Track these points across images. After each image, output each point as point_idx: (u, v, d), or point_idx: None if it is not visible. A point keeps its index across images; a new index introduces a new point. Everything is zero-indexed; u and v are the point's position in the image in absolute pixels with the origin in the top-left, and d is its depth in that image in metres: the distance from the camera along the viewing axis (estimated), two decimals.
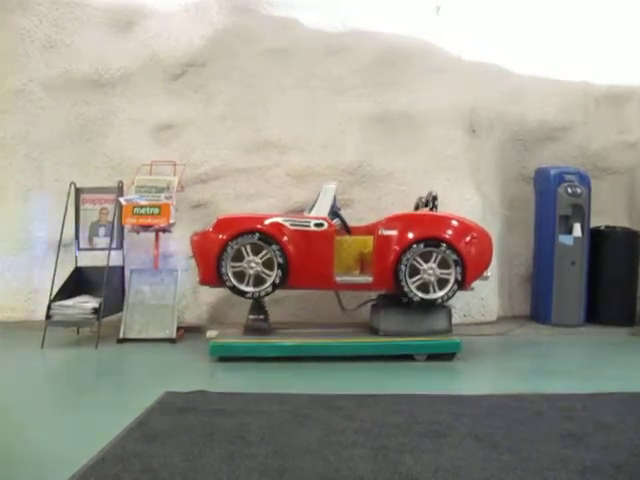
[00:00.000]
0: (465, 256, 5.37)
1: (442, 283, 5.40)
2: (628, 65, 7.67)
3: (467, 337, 6.01)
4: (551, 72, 7.55)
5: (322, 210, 5.61)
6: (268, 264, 5.36)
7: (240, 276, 5.38)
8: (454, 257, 5.35)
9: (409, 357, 5.40)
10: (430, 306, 5.48)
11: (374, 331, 5.69)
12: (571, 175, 7.03)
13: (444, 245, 5.35)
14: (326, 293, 6.60)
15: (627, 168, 7.69)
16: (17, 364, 5.42)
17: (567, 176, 7.02)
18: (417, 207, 6.20)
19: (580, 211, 6.96)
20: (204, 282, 5.60)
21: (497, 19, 7.45)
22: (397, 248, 5.36)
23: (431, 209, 5.74)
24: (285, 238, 5.37)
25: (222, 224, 5.48)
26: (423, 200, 6.06)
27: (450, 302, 5.69)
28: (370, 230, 5.72)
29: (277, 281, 5.36)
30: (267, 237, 5.33)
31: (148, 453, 3.08)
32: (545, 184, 7.12)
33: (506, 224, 7.50)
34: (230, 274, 5.35)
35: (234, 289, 5.39)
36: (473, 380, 5.09)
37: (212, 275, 5.40)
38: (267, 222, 5.43)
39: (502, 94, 7.44)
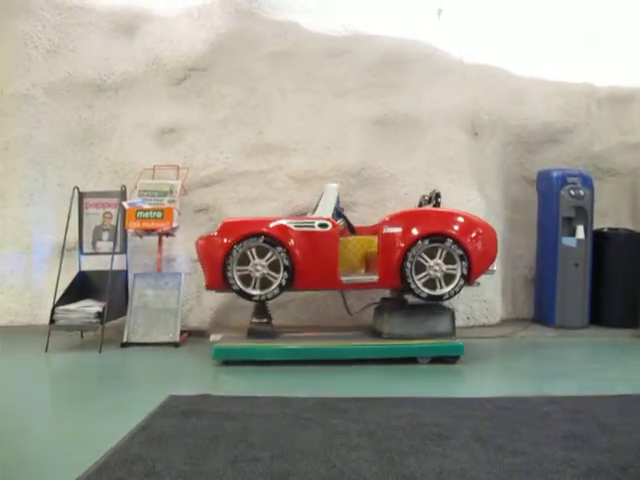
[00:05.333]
0: (471, 250, 5.37)
1: (448, 279, 5.40)
2: (630, 67, 7.65)
3: (470, 340, 6.02)
4: (553, 74, 7.54)
5: (325, 210, 5.62)
6: (274, 266, 5.37)
7: (246, 279, 5.38)
8: (459, 252, 5.34)
9: (412, 360, 5.40)
10: (434, 303, 5.48)
11: (377, 334, 5.69)
12: (574, 177, 7.01)
13: (449, 240, 5.34)
14: (329, 296, 6.61)
15: (630, 169, 7.67)
16: (21, 368, 5.43)
17: (570, 178, 6.99)
18: (420, 205, 6.21)
19: (583, 213, 6.95)
20: (210, 286, 5.60)
21: (499, 21, 7.45)
22: (402, 245, 5.37)
23: (434, 206, 5.74)
24: (290, 240, 5.37)
25: (227, 228, 5.49)
26: (426, 198, 6.06)
27: (453, 305, 5.67)
28: (375, 230, 5.73)
29: (283, 283, 5.36)
30: (272, 239, 5.34)
31: (152, 456, 3.08)
32: (548, 186, 7.11)
33: (509, 226, 7.49)
34: (236, 278, 5.35)
35: (241, 292, 5.40)
36: (476, 382, 5.08)
37: (218, 279, 5.40)
38: (272, 225, 5.44)
39: (504, 96, 7.44)
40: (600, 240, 7.08)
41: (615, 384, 4.72)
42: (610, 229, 7.22)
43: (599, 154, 7.61)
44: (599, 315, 7.03)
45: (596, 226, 7.10)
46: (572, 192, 6.93)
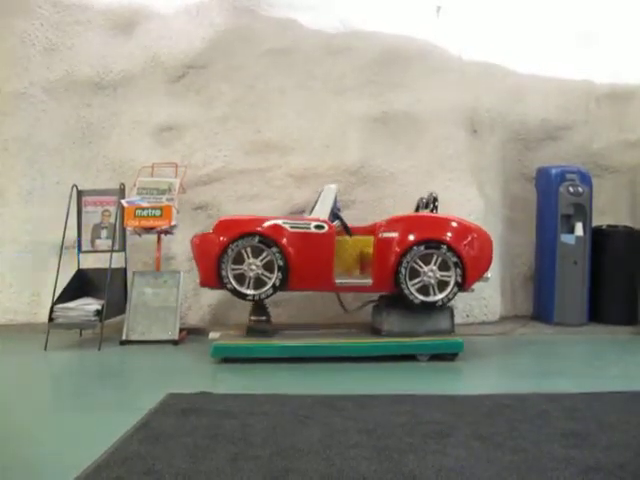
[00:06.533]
0: (465, 258, 5.36)
1: (442, 285, 5.39)
2: (629, 64, 7.65)
3: (469, 337, 6.01)
4: (552, 71, 7.54)
5: (323, 212, 5.61)
6: (268, 266, 5.36)
7: (240, 278, 5.38)
8: (454, 259, 5.34)
9: (412, 357, 5.40)
10: (430, 308, 5.48)
11: (376, 331, 5.69)
12: (572, 174, 7.02)
13: (444, 247, 5.34)
14: (328, 293, 6.61)
15: (629, 167, 7.68)
16: (20, 366, 5.43)
17: (568, 175, 7.00)
18: (418, 208, 6.21)
19: (582, 210, 6.95)
20: (204, 284, 5.61)
21: (498, 18, 7.45)
22: (397, 251, 5.35)
23: (432, 210, 5.74)
24: (285, 240, 5.36)
25: (223, 226, 5.48)
26: (424, 201, 6.06)
27: (452, 302, 5.68)
28: (370, 230, 5.72)
29: (277, 283, 5.35)
30: (267, 240, 5.33)
31: (151, 455, 3.08)
32: (547, 183, 7.11)
33: (508, 224, 7.49)
34: (230, 277, 5.35)
35: (235, 291, 5.40)
36: (476, 380, 5.09)
37: (212, 277, 5.40)
38: (267, 224, 5.43)
39: (503, 93, 7.44)
40: (599, 237, 7.08)
41: (614, 381, 4.73)
42: (609, 226, 7.23)
43: (598, 151, 7.61)
44: (598, 312, 7.04)
45: (595, 223, 7.11)
46: (571, 189, 6.93)
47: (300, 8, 7.30)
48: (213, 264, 5.34)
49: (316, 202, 5.81)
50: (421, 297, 5.37)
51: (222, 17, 7.19)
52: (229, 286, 5.36)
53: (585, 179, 7.02)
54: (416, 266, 5.36)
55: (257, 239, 5.32)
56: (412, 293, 5.36)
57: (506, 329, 6.79)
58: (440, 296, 5.39)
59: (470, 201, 6.92)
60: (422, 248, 5.34)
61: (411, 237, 5.37)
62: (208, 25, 7.19)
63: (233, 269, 5.35)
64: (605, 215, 7.46)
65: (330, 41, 7.28)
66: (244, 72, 7.20)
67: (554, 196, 6.97)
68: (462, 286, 5.40)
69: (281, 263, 5.32)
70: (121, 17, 7.24)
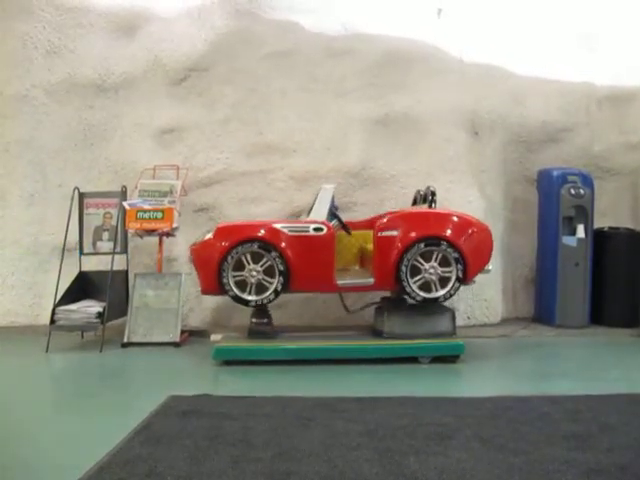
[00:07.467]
0: (466, 253, 5.36)
1: (444, 281, 5.39)
2: (630, 66, 7.65)
3: (471, 339, 6.02)
4: (553, 73, 7.54)
5: (320, 213, 5.60)
6: (269, 271, 5.36)
7: (242, 285, 5.38)
8: (455, 255, 5.34)
9: (413, 359, 5.40)
10: (432, 304, 5.48)
11: (378, 333, 5.69)
12: (574, 176, 7.02)
13: (444, 243, 5.34)
14: (329, 296, 6.61)
15: (630, 169, 7.67)
16: (22, 368, 5.44)
17: (570, 177, 7.00)
18: (415, 201, 6.20)
19: (583, 212, 6.95)
20: (206, 292, 5.61)
21: (498, 21, 7.45)
22: (397, 248, 5.36)
23: (430, 205, 5.73)
24: (284, 245, 5.35)
25: (221, 233, 5.48)
26: (422, 194, 6.04)
27: (453, 304, 5.68)
28: (368, 225, 5.71)
29: (279, 288, 5.35)
30: (267, 245, 5.33)
31: (153, 457, 3.09)
32: (548, 185, 7.11)
33: (509, 225, 7.48)
34: (232, 283, 5.35)
35: (237, 298, 5.39)
36: (477, 382, 5.09)
37: (214, 284, 5.40)
38: (266, 229, 5.41)
39: (504, 95, 7.44)
40: (600, 239, 7.07)
41: (615, 384, 4.72)
42: (610, 228, 7.22)
43: (599, 153, 7.60)
44: (599, 314, 7.03)
45: (596, 225, 7.10)
46: (572, 191, 6.93)
47: (301, 11, 7.31)
48: (214, 272, 5.33)
49: (314, 203, 5.80)
50: (423, 294, 5.38)
51: (224, 20, 7.21)
52: (231, 293, 5.36)
53: (587, 181, 7.02)
54: (417, 263, 5.37)
55: (257, 245, 5.33)
56: (414, 290, 5.36)
57: (507, 331, 6.79)
58: (442, 292, 5.40)
59: (471, 203, 6.91)
60: (422, 246, 5.34)
61: (411, 235, 5.37)
62: (210, 28, 7.20)
63: (234, 276, 5.35)
64: (606, 217, 7.45)
65: (331, 44, 7.29)
66: (246, 74, 7.21)
67: (556, 198, 6.96)
68: (463, 281, 5.41)
69: (281, 268, 5.31)
70: (123, 20, 7.26)
